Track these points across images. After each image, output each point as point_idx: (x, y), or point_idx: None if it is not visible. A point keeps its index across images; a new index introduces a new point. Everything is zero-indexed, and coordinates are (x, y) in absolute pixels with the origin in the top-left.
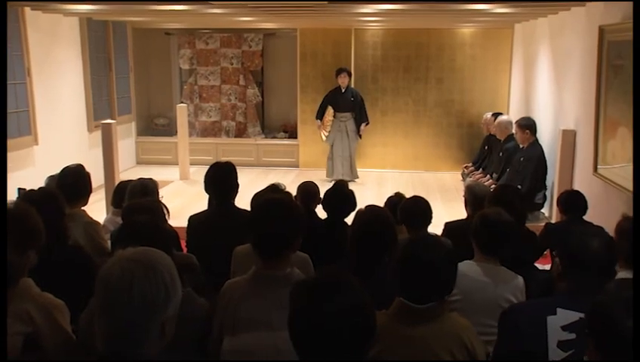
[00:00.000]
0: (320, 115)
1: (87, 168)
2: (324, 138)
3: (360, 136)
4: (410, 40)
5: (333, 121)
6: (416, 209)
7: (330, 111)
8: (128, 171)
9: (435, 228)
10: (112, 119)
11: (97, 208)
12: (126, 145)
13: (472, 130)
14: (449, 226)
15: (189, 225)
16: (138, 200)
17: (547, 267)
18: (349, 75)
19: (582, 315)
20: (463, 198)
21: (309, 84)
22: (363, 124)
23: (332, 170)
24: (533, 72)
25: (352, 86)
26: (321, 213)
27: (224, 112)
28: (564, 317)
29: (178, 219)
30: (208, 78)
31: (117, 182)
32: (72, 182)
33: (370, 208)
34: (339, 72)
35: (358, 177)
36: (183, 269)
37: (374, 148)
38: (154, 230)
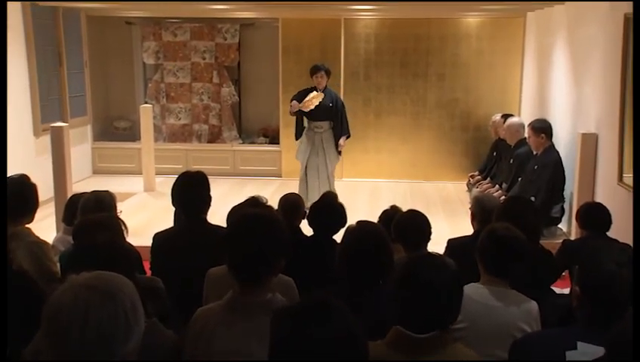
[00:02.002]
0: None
1: (34, 179)
2: (311, 106)
3: (339, 153)
4: (407, 31)
5: (306, 132)
6: (412, 224)
7: (314, 93)
8: (83, 182)
9: (437, 245)
10: (63, 122)
11: (46, 225)
12: (80, 151)
13: (479, 134)
14: (453, 244)
15: (153, 243)
16: (92, 216)
17: (566, 291)
18: (328, 74)
19: None
20: (469, 212)
21: (292, 82)
22: (343, 138)
23: (306, 193)
24: (549, 67)
25: (342, 88)
26: (306, 229)
27: (195, 114)
28: (586, 351)
29: (141, 237)
30: (177, 75)
31: (69, 195)
32: (15, 196)
33: (362, 224)
34: (315, 70)
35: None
36: (146, 295)
37: (367, 155)
38: (112, 250)
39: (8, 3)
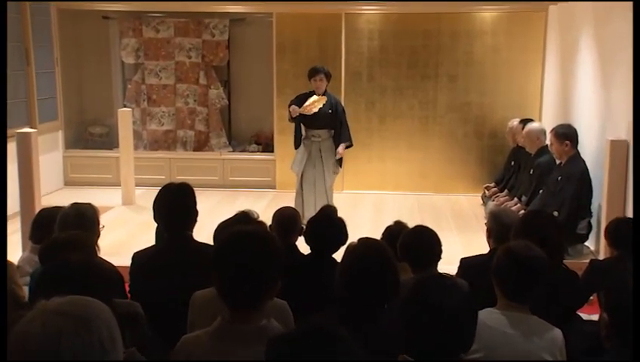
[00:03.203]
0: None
1: None
2: (314, 109)
3: (340, 164)
4: (415, 27)
5: (303, 141)
6: (420, 242)
7: (315, 97)
8: (53, 195)
9: (448, 265)
10: (31, 127)
11: (11, 243)
12: (50, 160)
13: (495, 142)
14: (466, 263)
15: (132, 264)
16: (62, 234)
17: (594, 317)
18: (328, 77)
19: None
20: (485, 228)
21: (288, 84)
22: (342, 145)
23: (302, 208)
24: (573, 66)
25: (343, 90)
26: (303, 247)
27: (180, 119)
28: None
29: (119, 257)
30: (159, 76)
31: (38, 210)
32: None
33: (365, 241)
34: (313, 73)
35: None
36: (125, 322)
37: (370, 165)
38: (87, 271)
39: None
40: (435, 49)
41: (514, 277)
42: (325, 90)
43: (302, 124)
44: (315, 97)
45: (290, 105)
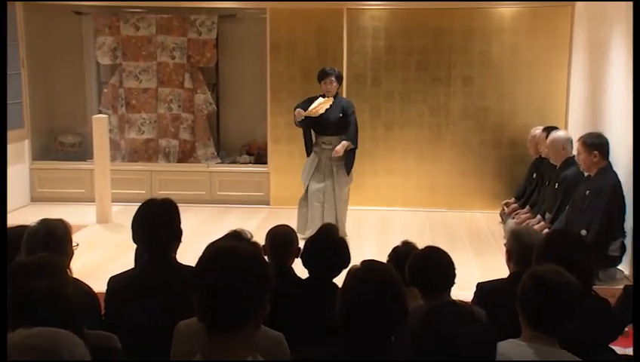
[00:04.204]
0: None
1: None
2: (321, 110)
3: (348, 170)
4: (426, 24)
5: (313, 148)
6: (432, 265)
7: (322, 99)
8: (19, 212)
9: (463, 291)
10: None
11: None
12: (15, 173)
13: (515, 152)
14: (483, 289)
15: (108, 290)
16: (29, 258)
17: (629, 351)
18: (339, 79)
19: None
20: (504, 249)
21: (282, 87)
22: (344, 143)
23: (307, 221)
24: (604, 68)
25: (344, 94)
26: (300, 270)
27: (162, 127)
28: None
29: (94, 281)
30: (139, 78)
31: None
32: None
33: (369, 264)
34: (323, 75)
35: (346, 235)
36: (99, 356)
37: (375, 178)
38: (57, 300)
39: None
40: (447, 49)
41: (543, 306)
42: (336, 94)
43: (312, 130)
44: (321, 99)
45: (295, 109)
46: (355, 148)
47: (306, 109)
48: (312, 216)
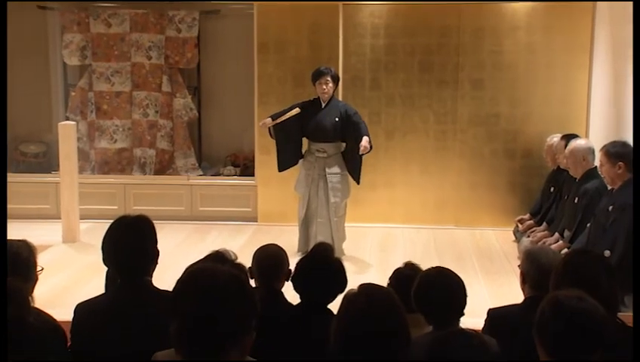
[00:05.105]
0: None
1: None
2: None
3: (357, 173)
4: (430, 21)
5: (306, 156)
6: (439, 289)
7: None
8: None
9: (473, 318)
10: None
11: None
12: None
13: (530, 163)
14: (495, 316)
15: (75, 318)
16: None
17: None
18: (335, 80)
19: None
20: (518, 271)
21: (271, 91)
22: (365, 138)
23: (305, 238)
24: (628, 70)
25: (340, 99)
26: (291, 294)
27: (137, 135)
28: None
29: (59, 309)
30: (111, 80)
31: None
32: None
33: (367, 289)
34: (319, 75)
35: (343, 255)
36: None
37: (374, 192)
38: (18, 332)
39: None
40: (454, 49)
41: (564, 336)
42: (332, 96)
43: (305, 137)
44: (296, 110)
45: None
46: (371, 148)
47: (297, 117)
48: (312, 233)
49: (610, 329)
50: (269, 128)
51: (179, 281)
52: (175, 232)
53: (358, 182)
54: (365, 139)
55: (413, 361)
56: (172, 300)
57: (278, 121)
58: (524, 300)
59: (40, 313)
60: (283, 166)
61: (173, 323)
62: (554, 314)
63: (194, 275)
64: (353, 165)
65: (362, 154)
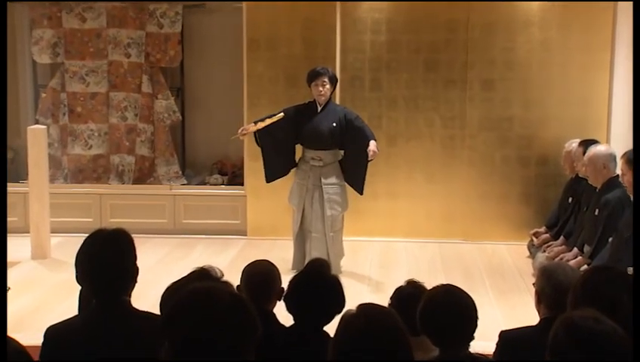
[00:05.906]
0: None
1: None
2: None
3: (361, 184)
4: (436, 17)
5: (300, 165)
6: (447, 310)
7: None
8: None
9: (484, 341)
10: None
11: None
12: None
13: (546, 170)
14: (507, 338)
15: (46, 342)
16: None
17: None
18: (333, 81)
19: None
20: (533, 290)
21: (262, 92)
22: (373, 142)
23: (301, 254)
24: None
25: (337, 101)
26: (283, 315)
27: (114, 140)
28: None
29: (27, 332)
30: (85, 80)
31: None
32: None
33: (367, 309)
34: (315, 75)
35: (340, 272)
36: None
37: (375, 203)
38: None
39: None
40: (462, 47)
41: (577, 359)
42: (330, 99)
43: (300, 144)
44: (280, 115)
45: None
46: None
47: (291, 120)
48: (308, 249)
49: (629, 354)
50: (254, 134)
51: (176, 301)
52: (156, 247)
53: (361, 193)
54: (373, 143)
55: None
56: (166, 322)
57: (260, 126)
58: (540, 321)
59: (7, 340)
60: (271, 176)
61: (166, 348)
62: (568, 336)
63: (192, 295)
64: (356, 174)
65: (370, 160)
